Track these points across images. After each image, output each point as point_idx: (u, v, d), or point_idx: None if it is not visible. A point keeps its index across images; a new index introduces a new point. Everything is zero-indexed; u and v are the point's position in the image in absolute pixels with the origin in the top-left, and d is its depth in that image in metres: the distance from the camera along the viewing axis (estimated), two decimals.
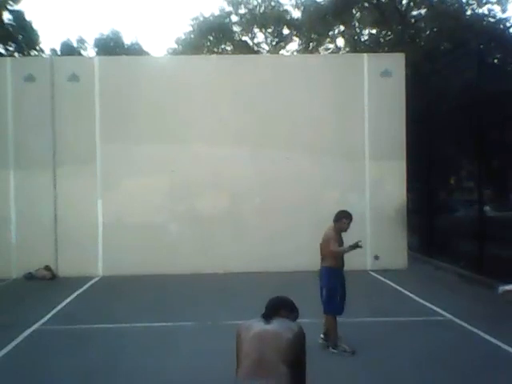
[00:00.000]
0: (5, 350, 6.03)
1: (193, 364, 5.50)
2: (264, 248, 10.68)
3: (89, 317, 7.49)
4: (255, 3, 30.89)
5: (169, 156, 11.07)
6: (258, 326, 3.15)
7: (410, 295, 8.63)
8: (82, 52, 31.20)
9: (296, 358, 3.05)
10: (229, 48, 31.19)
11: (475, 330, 6.48)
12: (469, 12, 21.78)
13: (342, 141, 11.21)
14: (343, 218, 5.95)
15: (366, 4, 22.87)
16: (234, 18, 31.40)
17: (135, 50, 30.51)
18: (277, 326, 3.11)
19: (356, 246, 5.65)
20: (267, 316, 3.22)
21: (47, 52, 28.61)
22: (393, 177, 11.22)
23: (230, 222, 11.15)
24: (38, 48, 26.63)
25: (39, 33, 27.02)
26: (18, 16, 24.59)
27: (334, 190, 11.35)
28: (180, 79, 11.20)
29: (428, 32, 22.64)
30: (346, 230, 5.96)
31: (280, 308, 3.29)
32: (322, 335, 6.03)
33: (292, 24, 29.83)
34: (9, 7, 24.24)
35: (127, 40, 32.33)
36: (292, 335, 3.05)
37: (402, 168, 11.18)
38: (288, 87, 11.15)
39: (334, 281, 5.83)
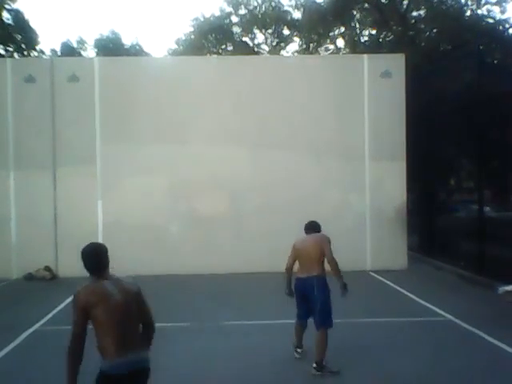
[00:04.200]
0: (5, 351, 6.03)
1: (192, 364, 5.50)
2: (264, 248, 10.68)
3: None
4: (255, 4, 30.90)
5: (169, 156, 11.07)
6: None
7: (410, 296, 8.63)
8: (82, 53, 31.22)
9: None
10: (229, 49, 31.21)
11: (475, 331, 6.47)
12: (468, 13, 21.81)
13: (342, 141, 11.22)
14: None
15: (366, 5, 22.89)
16: (235, 19, 31.41)
17: (135, 51, 30.55)
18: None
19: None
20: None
21: (47, 53, 28.66)
22: (393, 177, 11.22)
23: (230, 222, 11.16)
24: (37, 48, 26.66)
25: (39, 33, 27.14)
26: (17, 15, 24.61)
27: (334, 190, 11.36)
28: (180, 80, 11.20)
29: (428, 33, 22.67)
30: None
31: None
32: (314, 364, 5.13)
33: (292, 25, 29.85)
34: (7, 6, 24.25)
35: (127, 41, 32.40)
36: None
37: (402, 168, 11.18)
38: (288, 88, 11.16)
39: (327, 291, 5.31)
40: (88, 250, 3.20)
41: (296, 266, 5.61)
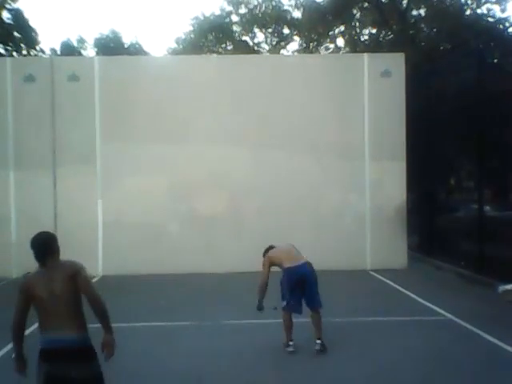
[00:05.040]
0: (4, 351, 6.02)
1: (193, 364, 5.50)
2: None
3: (88, 316, 7.46)
4: (255, 3, 30.85)
5: (169, 156, 11.07)
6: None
7: (410, 295, 8.63)
8: (82, 52, 31.19)
9: None
10: (229, 48, 31.19)
11: (475, 330, 6.47)
12: (468, 12, 21.80)
13: (342, 141, 11.21)
14: None
15: (366, 4, 22.88)
16: (235, 18, 31.38)
17: (135, 50, 30.51)
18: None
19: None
20: None
21: (47, 52, 28.62)
22: (393, 177, 11.22)
23: (230, 221, 11.16)
24: (37, 48, 26.63)
25: (39, 32, 27.10)
26: (17, 14, 24.58)
27: (333, 190, 11.37)
28: (180, 79, 11.20)
29: (428, 32, 22.66)
30: None
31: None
32: (319, 341, 5.60)
33: (292, 24, 29.82)
34: (7, 6, 24.23)
35: (127, 40, 32.34)
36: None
37: (401, 168, 11.18)
38: (288, 87, 11.15)
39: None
40: (33, 240, 3.39)
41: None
